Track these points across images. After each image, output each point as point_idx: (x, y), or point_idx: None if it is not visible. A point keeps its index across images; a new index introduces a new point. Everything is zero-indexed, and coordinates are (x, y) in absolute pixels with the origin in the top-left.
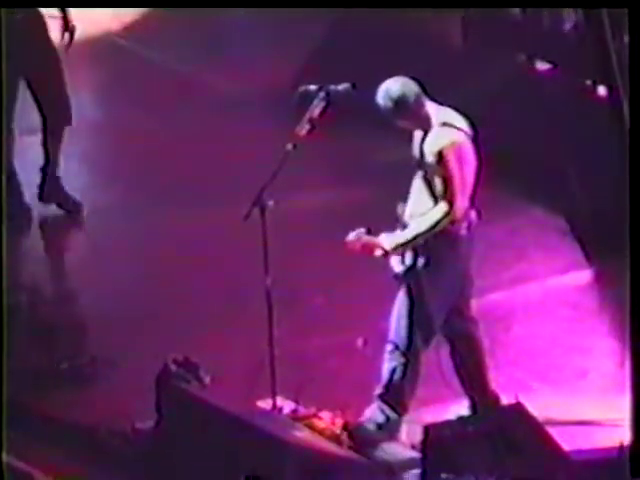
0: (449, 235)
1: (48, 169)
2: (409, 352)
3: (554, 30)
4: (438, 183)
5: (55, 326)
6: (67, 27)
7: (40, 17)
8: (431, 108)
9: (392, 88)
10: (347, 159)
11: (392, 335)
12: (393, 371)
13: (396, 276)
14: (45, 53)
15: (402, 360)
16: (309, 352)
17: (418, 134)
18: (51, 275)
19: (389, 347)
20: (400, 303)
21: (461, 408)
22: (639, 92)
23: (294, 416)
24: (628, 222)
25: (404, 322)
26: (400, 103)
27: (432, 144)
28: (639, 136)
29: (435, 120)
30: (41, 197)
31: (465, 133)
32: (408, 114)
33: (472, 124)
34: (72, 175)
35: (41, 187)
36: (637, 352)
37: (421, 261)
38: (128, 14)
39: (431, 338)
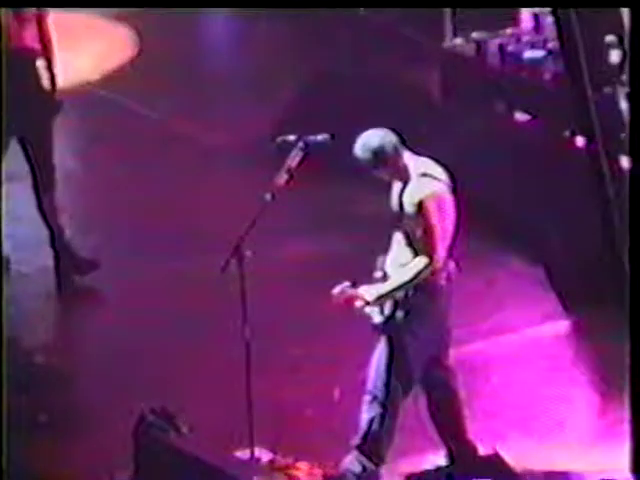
0: (428, 286)
1: (56, 242)
2: (387, 402)
3: (533, 80)
4: (418, 234)
5: (33, 378)
6: (52, 77)
7: (34, 68)
8: (410, 159)
9: (370, 139)
10: (326, 209)
11: (370, 385)
12: (371, 421)
13: (375, 327)
14: (39, 109)
15: (380, 410)
16: (287, 402)
17: (397, 185)
18: (29, 327)
19: (367, 397)
20: (379, 353)
21: (439, 458)
22: (639, 92)
23: (272, 466)
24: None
25: (383, 372)
26: (379, 154)
27: (412, 195)
28: (639, 137)
29: (414, 171)
30: (59, 282)
31: (444, 184)
32: (386, 165)
33: (451, 175)
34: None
35: (57, 268)
36: (636, 351)
37: (400, 312)
38: (109, 64)
39: (410, 389)
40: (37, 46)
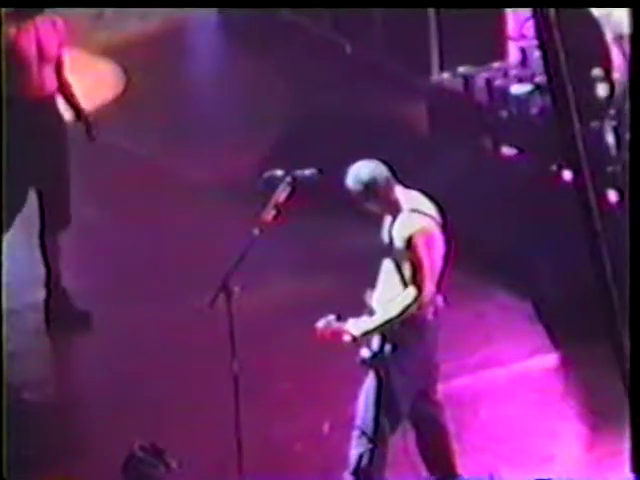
0: (416, 320)
1: (51, 282)
2: (376, 437)
3: (520, 115)
4: (407, 268)
5: (21, 412)
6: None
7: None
8: (400, 193)
9: (362, 171)
10: (313, 244)
11: (359, 420)
12: (360, 457)
13: (363, 361)
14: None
15: (369, 446)
16: (276, 436)
17: (387, 219)
18: (17, 363)
19: (356, 433)
20: (367, 388)
21: None
22: (639, 92)
23: None
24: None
25: (371, 407)
26: (370, 186)
27: (402, 229)
28: (639, 139)
29: (404, 205)
30: (48, 319)
31: (434, 219)
32: (378, 197)
33: (440, 209)
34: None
35: (46, 306)
36: (636, 353)
37: (388, 346)
38: (94, 100)
39: (398, 423)
40: (56, 92)
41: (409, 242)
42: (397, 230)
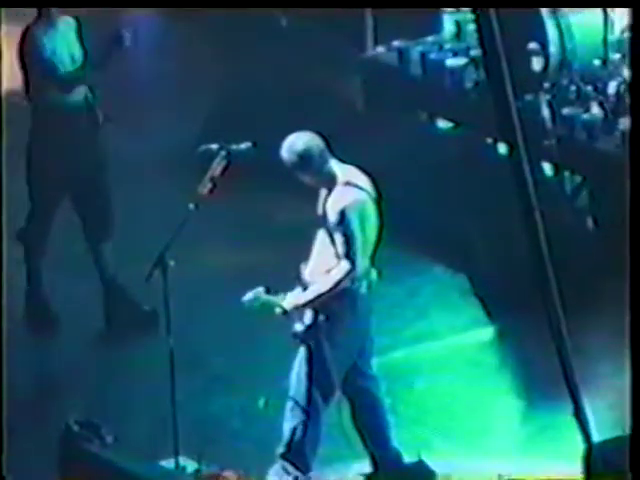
0: (349, 294)
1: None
2: (309, 410)
3: (455, 88)
4: (340, 242)
5: None
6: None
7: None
8: (335, 166)
9: (297, 142)
10: (250, 218)
11: (292, 393)
12: (294, 430)
13: (295, 334)
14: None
15: (302, 418)
16: (212, 412)
17: (322, 192)
18: None
19: (289, 405)
20: (299, 361)
21: (364, 466)
22: (639, 93)
23: (197, 476)
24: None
25: (303, 380)
26: (305, 157)
27: (335, 203)
28: (639, 141)
29: (339, 178)
30: None
31: (368, 193)
32: (312, 169)
33: (375, 183)
34: None
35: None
36: (636, 351)
37: (321, 319)
38: None
39: (331, 396)
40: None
41: (342, 215)
42: (331, 203)
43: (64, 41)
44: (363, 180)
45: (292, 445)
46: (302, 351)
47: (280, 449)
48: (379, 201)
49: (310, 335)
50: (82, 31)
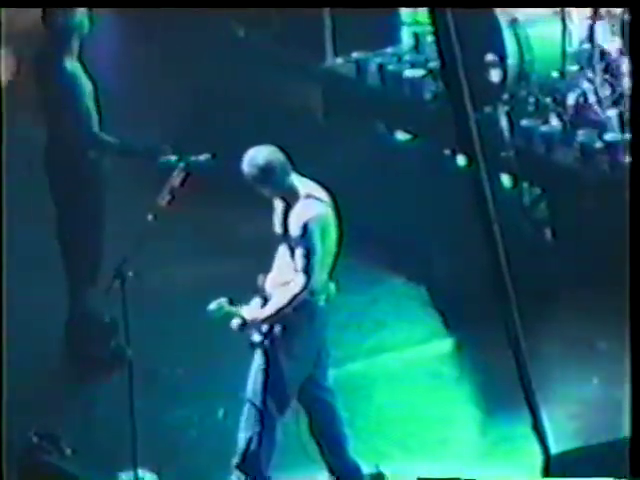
0: (307, 306)
1: None
2: (265, 420)
3: (414, 100)
4: (299, 255)
5: None
6: None
7: None
8: (296, 179)
9: (259, 155)
10: (209, 229)
11: (247, 403)
12: (249, 440)
13: (253, 344)
14: None
15: (258, 428)
16: (170, 423)
17: (280, 205)
18: None
19: (244, 415)
20: (255, 371)
21: (322, 478)
22: (639, 93)
23: None
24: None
25: (259, 390)
26: (266, 170)
27: (298, 216)
28: (639, 142)
29: (300, 192)
30: None
31: (328, 206)
32: (273, 182)
33: (333, 195)
34: None
35: None
36: (636, 350)
37: (277, 330)
38: None
39: (286, 406)
40: None
41: (304, 229)
42: (294, 217)
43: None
44: (322, 193)
45: (247, 455)
46: (258, 361)
47: (235, 459)
48: (339, 213)
49: (267, 345)
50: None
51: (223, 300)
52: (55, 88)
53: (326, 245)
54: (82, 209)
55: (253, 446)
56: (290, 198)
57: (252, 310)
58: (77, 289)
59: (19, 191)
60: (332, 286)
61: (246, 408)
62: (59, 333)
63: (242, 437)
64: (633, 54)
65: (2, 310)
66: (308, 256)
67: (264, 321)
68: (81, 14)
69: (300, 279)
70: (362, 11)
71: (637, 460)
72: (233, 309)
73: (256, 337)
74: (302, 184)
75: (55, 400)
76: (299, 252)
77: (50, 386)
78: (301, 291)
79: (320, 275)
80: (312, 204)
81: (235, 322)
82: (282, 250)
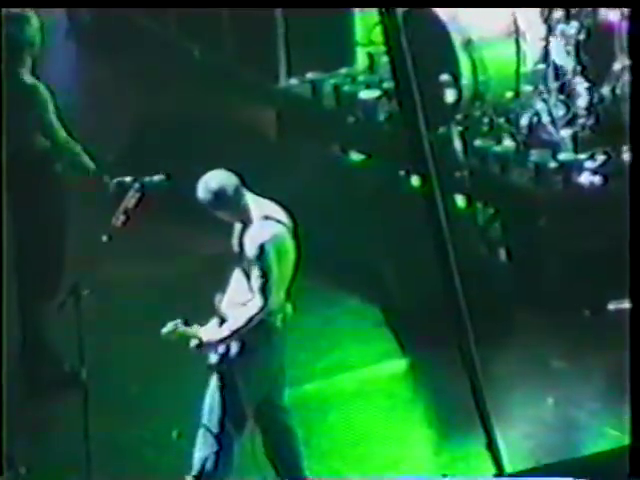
0: (264, 327)
1: None
2: (221, 439)
3: (368, 120)
4: (256, 276)
5: None
6: None
7: None
8: (251, 200)
9: (211, 181)
10: (163, 249)
11: (204, 422)
12: (205, 459)
13: (210, 366)
14: None
15: (214, 449)
16: (125, 442)
17: (237, 226)
18: None
19: (200, 434)
20: (212, 391)
21: None
22: (639, 94)
23: None
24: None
25: (216, 409)
26: (219, 195)
27: (254, 238)
28: (639, 145)
29: (256, 213)
30: None
31: (286, 226)
32: (228, 206)
33: (291, 215)
34: None
35: None
36: (636, 350)
37: (234, 350)
38: None
39: (243, 426)
40: None
41: (260, 250)
42: (249, 238)
43: None
44: (279, 213)
45: (203, 475)
46: (215, 380)
47: (190, 478)
48: (296, 233)
49: (223, 365)
50: None
51: (179, 321)
52: (13, 100)
53: (282, 266)
54: (41, 224)
55: (209, 466)
56: (246, 220)
57: (208, 330)
58: (31, 307)
59: None
60: (289, 306)
61: (202, 427)
62: (13, 351)
63: (198, 456)
64: (633, 55)
65: None
66: (264, 277)
67: (220, 342)
68: (34, 29)
69: (257, 300)
70: (317, 31)
71: (637, 460)
72: (189, 330)
73: (213, 358)
74: (259, 206)
75: (9, 419)
76: (255, 273)
77: (4, 405)
78: (258, 312)
79: (277, 296)
80: (269, 225)
81: (192, 342)
82: (238, 271)
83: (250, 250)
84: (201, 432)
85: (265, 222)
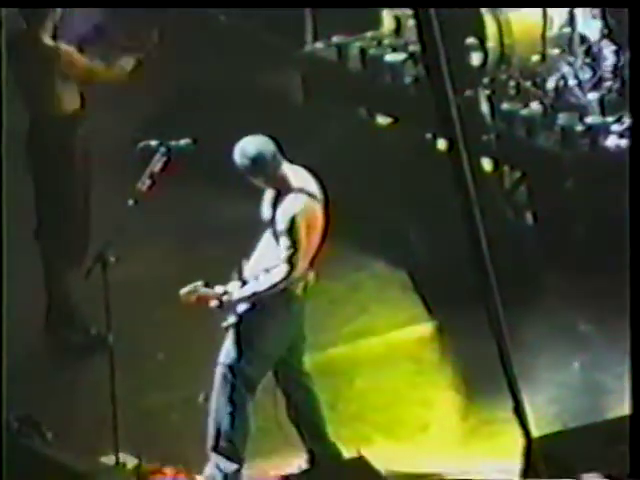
0: (284, 293)
1: None
2: (234, 399)
3: (394, 83)
4: (284, 246)
5: None
6: None
7: None
8: (287, 168)
9: (249, 146)
10: (189, 214)
11: (217, 380)
12: (220, 421)
13: (227, 327)
14: None
15: (229, 409)
16: (151, 407)
17: (270, 193)
18: None
19: (214, 395)
20: (226, 350)
21: (301, 461)
22: (639, 93)
23: (138, 471)
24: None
25: (228, 370)
26: (257, 161)
27: (286, 210)
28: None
29: (292, 183)
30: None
31: (316, 198)
32: (265, 173)
33: (322, 185)
34: None
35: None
36: (636, 350)
37: (252, 314)
38: None
39: (255, 388)
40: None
41: (291, 223)
42: (281, 210)
43: None
44: (311, 183)
45: (219, 437)
46: (229, 342)
47: (209, 443)
48: (327, 204)
49: (240, 327)
50: None
51: (198, 283)
52: (35, 68)
53: (311, 238)
54: (66, 191)
55: (225, 427)
56: (282, 189)
57: (229, 291)
58: (58, 274)
59: None
60: (311, 275)
61: (215, 387)
62: (39, 318)
63: (212, 419)
64: (633, 54)
65: None
66: (293, 248)
67: (240, 302)
68: None
69: (283, 268)
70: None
71: (637, 460)
72: (209, 291)
73: (231, 319)
74: (295, 175)
75: (36, 385)
76: (284, 243)
77: (31, 371)
78: (282, 280)
79: (301, 266)
80: (301, 199)
81: (212, 302)
82: (267, 237)
83: (281, 221)
84: (214, 396)
85: (298, 195)
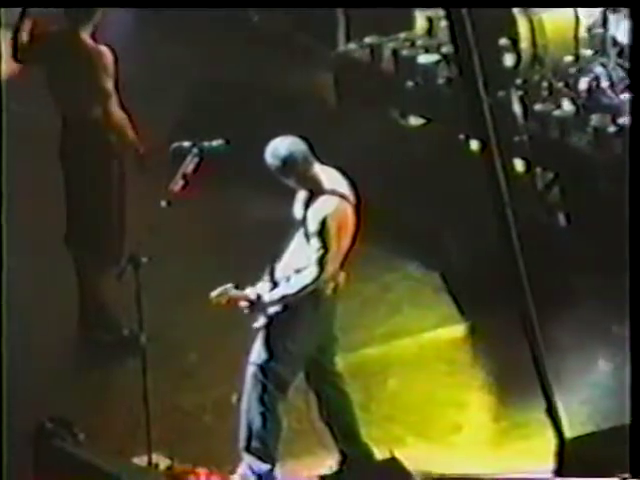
0: (314, 294)
1: None
2: (265, 400)
3: (427, 85)
4: (315, 248)
5: None
6: None
7: None
8: (319, 169)
9: (280, 146)
10: (222, 215)
11: (249, 380)
12: (252, 421)
13: (258, 329)
14: None
15: (260, 409)
16: (184, 408)
17: (302, 194)
18: None
19: (246, 395)
20: (257, 351)
21: (334, 462)
22: (639, 93)
23: (170, 472)
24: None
25: (259, 370)
26: (288, 162)
27: (317, 212)
28: (639, 143)
29: (324, 184)
30: None
31: (348, 200)
32: (296, 174)
33: (354, 186)
34: None
35: None
36: (636, 350)
37: (283, 315)
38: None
39: (286, 388)
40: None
41: (323, 225)
42: (313, 211)
43: None
44: (343, 184)
45: (252, 438)
46: (259, 343)
47: (242, 443)
48: (358, 205)
49: (270, 329)
50: None
51: (229, 286)
52: (72, 65)
53: (341, 241)
54: (99, 192)
55: (256, 427)
56: (314, 190)
57: (259, 293)
58: (91, 275)
59: (24, 174)
60: (341, 276)
61: (247, 387)
62: (72, 318)
63: (244, 419)
64: (633, 54)
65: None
66: (323, 250)
67: (270, 304)
68: None
69: (313, 270)
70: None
71: (637, 460)
72: (239, 293)
73: (262, 320)
74: (327, 177)
75: (68, 385)
76: (315, 245)
77: (63, 371)
78: (312, 282)
79: (331, 268)
80: (333, 201)
81: (242, 304)
82: (298, 238)
83: (312, 222)
84: (245, 396)
85: (330, 197)
